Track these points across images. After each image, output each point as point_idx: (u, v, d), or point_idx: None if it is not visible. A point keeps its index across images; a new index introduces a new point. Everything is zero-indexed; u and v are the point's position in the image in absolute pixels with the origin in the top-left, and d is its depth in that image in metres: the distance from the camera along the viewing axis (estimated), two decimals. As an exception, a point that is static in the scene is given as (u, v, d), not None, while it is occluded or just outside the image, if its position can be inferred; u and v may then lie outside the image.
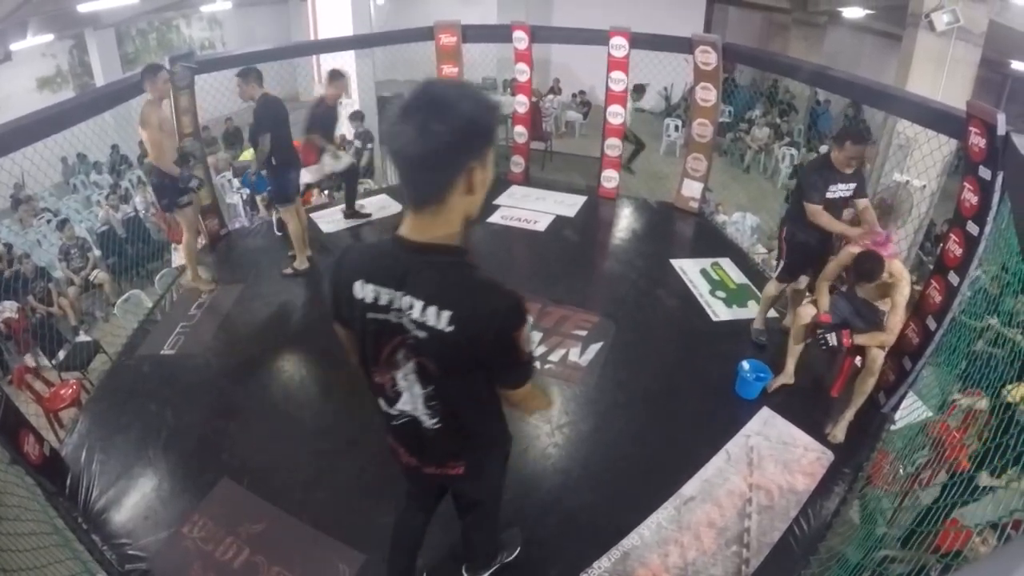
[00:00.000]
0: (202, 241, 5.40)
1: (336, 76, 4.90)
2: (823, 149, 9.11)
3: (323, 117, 4.99)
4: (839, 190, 3.46)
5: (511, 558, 2.56)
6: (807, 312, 3.43)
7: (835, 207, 3.53)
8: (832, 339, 3.23)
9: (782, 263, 3.82)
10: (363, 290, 1.39)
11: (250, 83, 4.28)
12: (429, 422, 1.55)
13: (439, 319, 1.32)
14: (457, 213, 1.31)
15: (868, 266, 3.05)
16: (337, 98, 5.00)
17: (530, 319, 1.40)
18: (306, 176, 5.03)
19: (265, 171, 4.62)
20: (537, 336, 4.03)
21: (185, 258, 4.71)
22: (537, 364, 1.49)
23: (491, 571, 2.48)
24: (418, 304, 1.33)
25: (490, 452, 1.81)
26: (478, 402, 1.56)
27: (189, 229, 4.59)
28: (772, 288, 3.94)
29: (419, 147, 1.18)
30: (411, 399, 1.51)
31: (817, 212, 3.45)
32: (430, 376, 1.44)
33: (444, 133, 1.17)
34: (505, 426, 1.76)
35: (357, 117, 8.01)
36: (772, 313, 4.15)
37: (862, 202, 3.55)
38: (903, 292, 3.14)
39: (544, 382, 3.66)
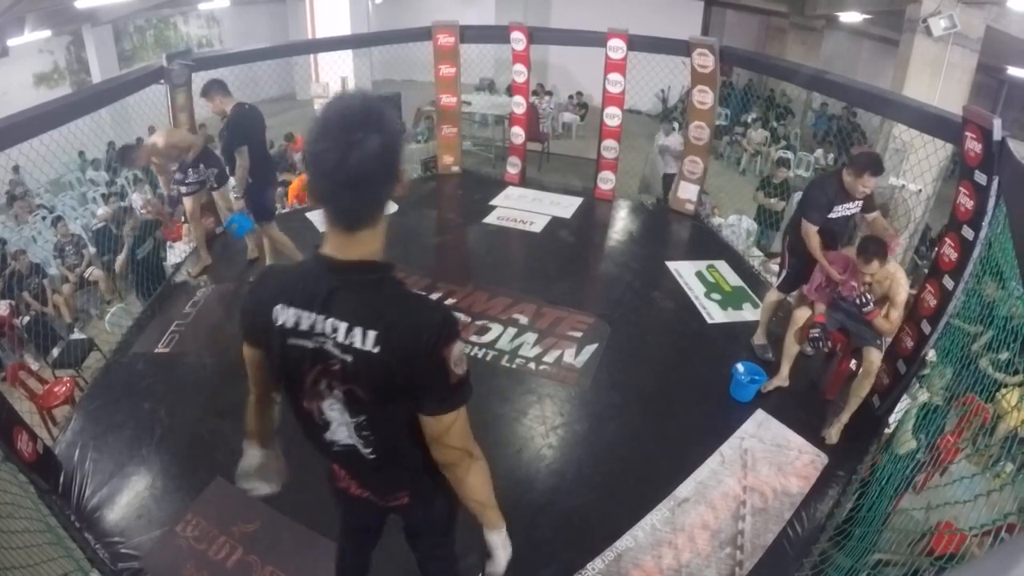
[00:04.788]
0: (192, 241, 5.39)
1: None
2: (819, 153, 9.18)
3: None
4: (845, 209, 3.40)
5: None
6: (803, 314, 3.44)
7: (840, 224, 3.50)
8: (818, 333, 3.30)
9: (784, 272, 3.79)
10: (284, 314, 1.28)
11: (214, 98, 4.00)
12: (364, 451, 1.41)
13: (365, 340, 1.22)
14: (384, 224, 1.25)
15: (872, 247, 3.04)
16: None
17: (461, 342, 1.28)
18: None
19: (244, 191, 4.17)
20: (532, 337, 4.04)
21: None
22: (471, 389, 1.31)
23: None
24: (342, 326, 1.23)
25: (435, 483, 1.54)
26: (414, 435, 1.36)
27: (191, 219, 4.94)
28: (773, 296, 3.90)
29: (357, 163, 1.12)
30: (343, 428, 1.38)
31: (811, 233, 3.38)
32: (360, 404, 1.31)
33: (378, 146, 1.12)
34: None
35: None
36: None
37: (872, 215, 3.49)
38: (901, 289, 3.15)
39: (538, 383, 3.67)
